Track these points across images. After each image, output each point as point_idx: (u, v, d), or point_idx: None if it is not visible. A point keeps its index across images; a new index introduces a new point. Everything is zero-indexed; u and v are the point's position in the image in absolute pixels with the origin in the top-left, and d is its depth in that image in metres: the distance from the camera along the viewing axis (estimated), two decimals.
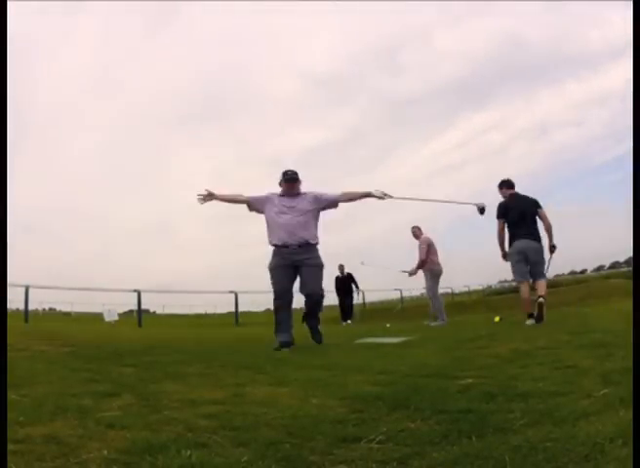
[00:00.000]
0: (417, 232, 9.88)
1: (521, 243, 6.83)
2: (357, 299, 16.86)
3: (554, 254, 6.95)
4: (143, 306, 15.73)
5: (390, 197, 5.62)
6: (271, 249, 5.53)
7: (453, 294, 30.79)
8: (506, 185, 7.19)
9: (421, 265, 9.61)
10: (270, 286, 5.52)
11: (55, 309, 32.22)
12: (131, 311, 20.92)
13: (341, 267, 15.56)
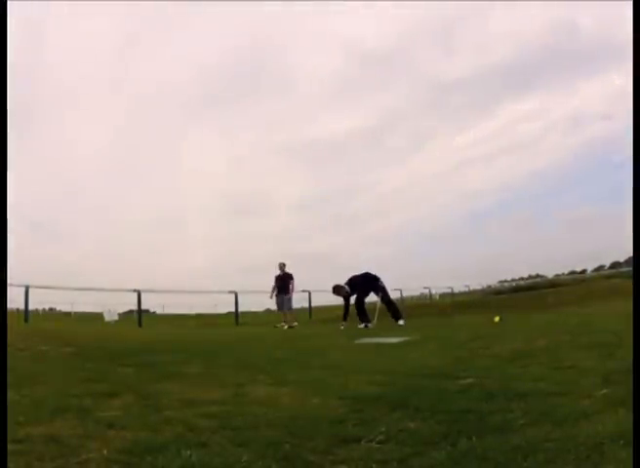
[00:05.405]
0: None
1: None
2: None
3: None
4: (143, 306, 15.72)
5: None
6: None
7: (453, 294, 30.82)
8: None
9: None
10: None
11: (55, 309, 32.20)
12: (131, 311, 20.90)
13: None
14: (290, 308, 12.70)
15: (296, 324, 12.25)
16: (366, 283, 9.90)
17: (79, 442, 1.87)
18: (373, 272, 10.14)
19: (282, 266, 12.66)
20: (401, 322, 9.29)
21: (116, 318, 18.88)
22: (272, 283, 12.70)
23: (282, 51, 74.93)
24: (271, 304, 13.67)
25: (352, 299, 9.88)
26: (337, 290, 9.88)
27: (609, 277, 27.38)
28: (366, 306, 9.82)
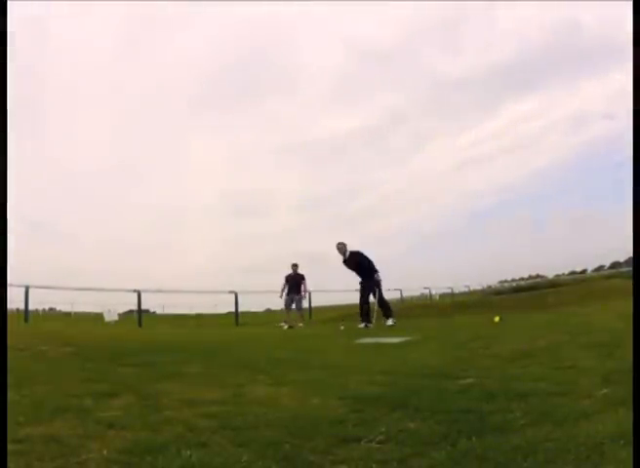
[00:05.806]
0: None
1: None
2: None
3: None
4: (143, 306, 15.71)
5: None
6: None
7: (453, 294, 30.80)
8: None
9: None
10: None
11: (55, 309, 32.20)
12: (131, 311, 20.89)
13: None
14: (300, 308, 12.88)
15: (301, 325, 12.16)
16: (366, 271, 9.45)
17: (79, 442, 1.88)
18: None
19: (294, 267, 12.81)
20: (390, 321, 8.90)
21: (116, 318, 18.85)
22: (280, 282, 12.66)
23: (282, 50, 75.00)
24: (271, 304, 13.82)
25: (357, 297, 9.72)
26: (340, 247, 9.51)
27: (609, 277, 27.38)
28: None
